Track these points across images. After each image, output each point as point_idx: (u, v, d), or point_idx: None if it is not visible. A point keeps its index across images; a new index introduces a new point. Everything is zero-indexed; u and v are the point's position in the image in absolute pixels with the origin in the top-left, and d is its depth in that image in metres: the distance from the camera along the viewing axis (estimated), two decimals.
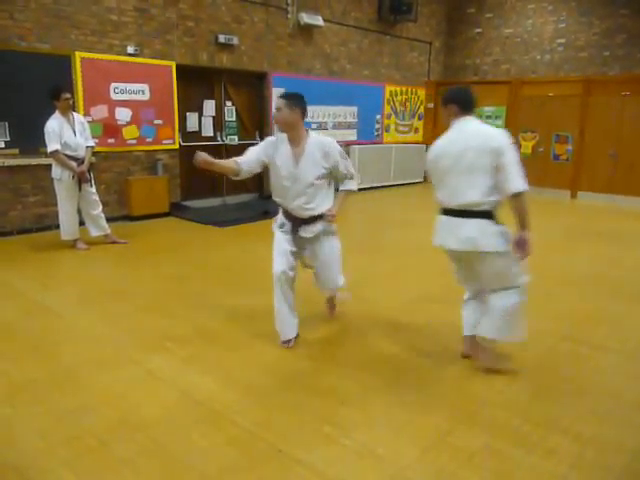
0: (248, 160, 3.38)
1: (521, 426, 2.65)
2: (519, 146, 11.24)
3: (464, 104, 3.01)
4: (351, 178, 3.50)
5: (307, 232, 3.44)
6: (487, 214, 2.94)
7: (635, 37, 10.08)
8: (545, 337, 3.74)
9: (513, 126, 11.28)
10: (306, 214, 3.39)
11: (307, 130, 3.37)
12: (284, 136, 3.36)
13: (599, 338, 3.78)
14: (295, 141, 3.33)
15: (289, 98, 3.28)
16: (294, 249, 3.45)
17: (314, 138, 3.36)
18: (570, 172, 10.63)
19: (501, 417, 2.73)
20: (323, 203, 3.40)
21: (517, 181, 2.84)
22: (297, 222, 3.43)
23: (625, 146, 9.95)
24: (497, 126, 12.18)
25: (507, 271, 3.02)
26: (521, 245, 2.92)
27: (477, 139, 2.91)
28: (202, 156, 3.16)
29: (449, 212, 3.03)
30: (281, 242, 3.44)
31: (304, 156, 3.30)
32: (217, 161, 3.31)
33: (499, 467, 2.34)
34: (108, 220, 6.29)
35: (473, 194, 2.91)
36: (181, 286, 4.79)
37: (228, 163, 3.42)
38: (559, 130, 10.74)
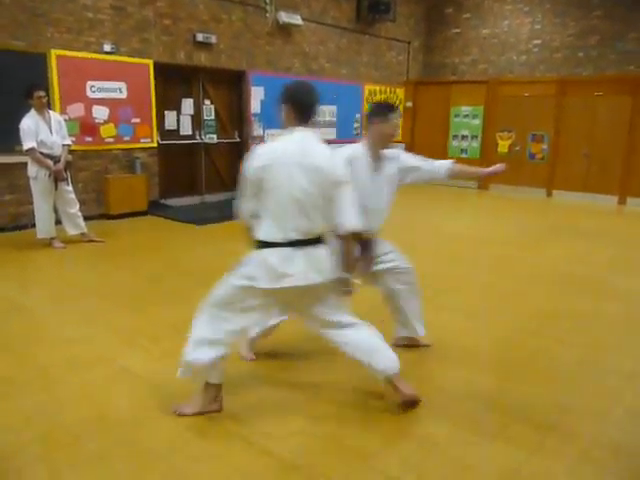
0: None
1: (485, 416, 2.75)
2: (496, 145, 11.44)
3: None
4: None
5: None
6: None
7: (608, 39, 10.30)
8: (513, 333, 3.85)
9: (490, 125, 11.48)
10: None
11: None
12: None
13: (564, 333, 3.90)
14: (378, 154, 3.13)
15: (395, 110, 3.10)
16: None
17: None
18: (545, 171, 10.83)
19: (466, 408, 2.82)
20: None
21: None
22: None
23: (598, 145, 10.17)
24: (475, 125, 12.30)
25: None
26: None
27: None
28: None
29: None
30: None
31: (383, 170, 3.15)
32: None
33: (462, 455, 2.43)
34: (85, 219, 6.27)
35: None
36: (158, 284, 4.81)
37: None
38: (535, 129, 10.93)
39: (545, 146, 10.85)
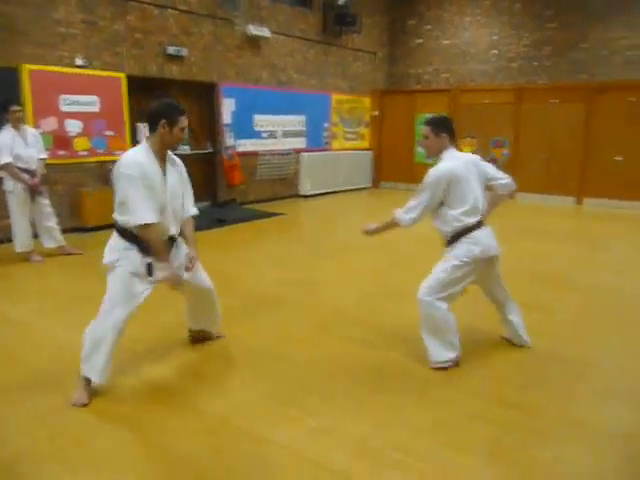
0: (418, 214, 3.38)
1: (469, 402, 3.00)
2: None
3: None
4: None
5: None
6: None
7: (560, 49, 10.88)
8: (484, 322, 4.12)
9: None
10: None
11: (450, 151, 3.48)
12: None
13: (532, 324, 4.20)
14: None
15: (434, 124, 3.39)
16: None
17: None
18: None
19: (452, 395, 3.06)
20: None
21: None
22: None
23: (556, 150, 10.71)
24: None
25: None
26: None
27: None
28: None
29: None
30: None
31: None
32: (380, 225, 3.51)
33: (447, 435, 2.67)
34: (61, 232, 6.29)
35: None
36: None
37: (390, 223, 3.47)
38: (496, 135, 11.43)
39: (506, 151, 11.35)
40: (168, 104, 2.96)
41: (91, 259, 6.09)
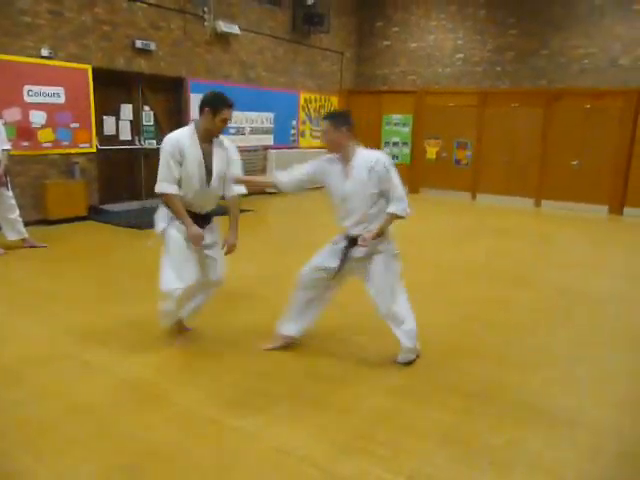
0: (291, 179, 3.43)
1: (422, 389, 3.16)
2: (425, 151, 12.16)
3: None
4: (398, 200, 3.22)
5: (358, 252, 3.33)
6: None
7: (522, 55, 11.26)
8: (445, 318, 4.31)
9: (419, 133, 12.20)
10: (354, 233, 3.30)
11: (355, 146, 3.29)
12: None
13: (490, 316, 4.43)
14: (345, 159, 3.29)
15: (333, 118, 3.28)
16: (333, 266, 3.36)
17: (361, 154, 3.27)
18: (470, 176, 11.65)
19: (405, 384, 3.22)
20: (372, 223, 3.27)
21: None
22: (350, 241, 3.34)
23: (516, 152, 11.09)
24: (405, 133, 12.92)
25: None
26: None
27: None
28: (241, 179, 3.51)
29: None
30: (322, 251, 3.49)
31: (352, 174, 3.24)
32: (252, 178, 3.71)
33: (404, 422, 2.81)
34: (24, 224, 6.21)
35: None
36: (109, 286, 4.92)
37: (266, 180, 3.67)
38: (459, 137, 11.74)
39: (469, 153, 11.68)
40: (217, 95, 3.27)
41: (56, 253, 6.06)
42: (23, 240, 6.16)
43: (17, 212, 6.07)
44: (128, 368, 3.30)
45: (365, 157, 3.25)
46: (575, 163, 10.46)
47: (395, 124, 12.55)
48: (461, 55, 12.03)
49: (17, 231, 6.10)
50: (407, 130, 12.42)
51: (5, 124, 6.54)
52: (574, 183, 10.50)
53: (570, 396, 3.15)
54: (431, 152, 12.13)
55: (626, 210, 10.05)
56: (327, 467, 2.41)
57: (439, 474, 2.40)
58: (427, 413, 2.90)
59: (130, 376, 3.20)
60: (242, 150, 10.53)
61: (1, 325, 3.95)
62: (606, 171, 10.21)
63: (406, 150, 12.48)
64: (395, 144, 12.60)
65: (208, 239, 3.45)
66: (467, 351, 3.73)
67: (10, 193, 5.99)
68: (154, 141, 9.05)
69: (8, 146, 5.97)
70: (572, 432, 2.78)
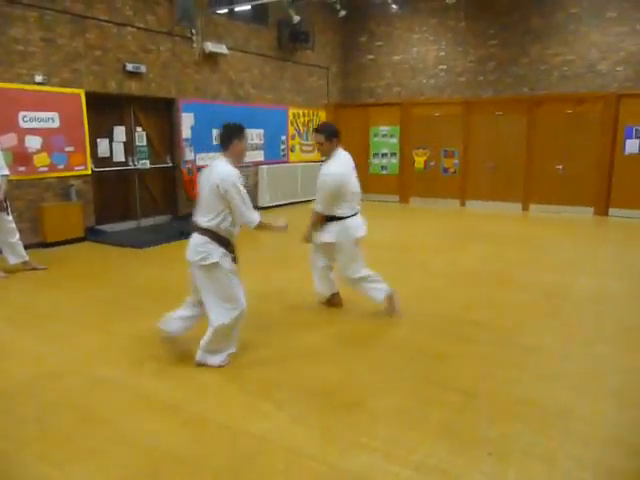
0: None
1: (422, 388, 3.31)
2: (413, 161, 12.40)
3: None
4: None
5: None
6: None
7: (503, 64, 11.57)
8: (441, 321, 4.47)
9: (407, 143, 12.44)
10: None
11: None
12: None
13: (481, 316, 4.59)
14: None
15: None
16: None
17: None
18: (458, 183, 11.89)
19: (404, 384, 3.36)
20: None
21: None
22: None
23: (502, 159, 11.35)
24: (393, 144, 13.13)
25: None
26: None
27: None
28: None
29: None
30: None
31: None
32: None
33: (404, 419, 2.96)
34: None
35: None
36: (113, 305, 5.03)
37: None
38: (446, 146, 12.00)
39: (456, 161, 11.92)
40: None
41: (56, 275, 6.18)
42: (24, 263, 6.26)
43: (17, 236, 6.18)
44: (139, 381, 3.42)
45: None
46: (560, 167, 10.73)
47: (383, 135, 12.80)
48: (444, 66, 12.33)
49: (18, 254, 6.21)
50: (395, 141, 12.66)
51: (2, 150, 6.68)
52: (560, 186, 10.76)
53: (560, 390, 3.31)
54: (419, 162, 12.36)
55: (611, 210, 10.32)
56: (336, 463, 2.55)
57: (442, 465, 2.54)
58: (425, 410, 3.05)
59: (142, 388, 3.32)
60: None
61: (10, 344, 4.06)
62: (590, 173, 10.48)
63: (394, 160, 12.72)
64: (384, 155, 12.83)
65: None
66: (461, 351, 3.89)
67: (10, 217, 6.11)
68: (147, 161, 9.20)
69: (7, 171, 6.10)
70: (564, 422, 2.94)
